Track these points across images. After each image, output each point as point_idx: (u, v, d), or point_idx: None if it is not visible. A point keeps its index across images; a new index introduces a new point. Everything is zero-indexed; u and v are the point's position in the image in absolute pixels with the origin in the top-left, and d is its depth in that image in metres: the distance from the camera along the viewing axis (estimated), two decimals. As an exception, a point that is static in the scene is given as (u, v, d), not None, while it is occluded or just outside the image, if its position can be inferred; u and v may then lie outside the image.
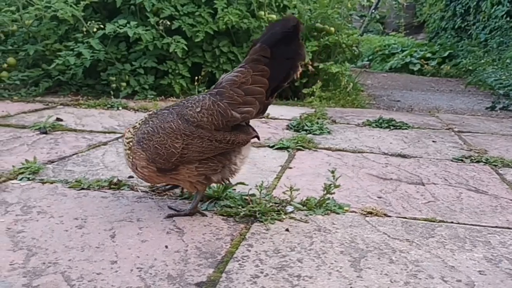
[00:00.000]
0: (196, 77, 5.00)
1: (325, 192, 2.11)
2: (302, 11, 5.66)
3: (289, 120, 4.31)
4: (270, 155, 3.04)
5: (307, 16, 5.67)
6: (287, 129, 3.92)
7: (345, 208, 2.12)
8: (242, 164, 1.99)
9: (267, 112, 4.40)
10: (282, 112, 4.68)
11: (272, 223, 1.92)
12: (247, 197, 2.12)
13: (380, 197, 2.32)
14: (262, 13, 5.60)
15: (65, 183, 2.30)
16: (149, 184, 2.19)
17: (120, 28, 4.75)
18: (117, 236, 1.74)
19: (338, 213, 2.06)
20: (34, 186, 2.24)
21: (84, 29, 4.73)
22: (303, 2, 5.76)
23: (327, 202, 2.12)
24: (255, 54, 1.77)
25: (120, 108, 4.42)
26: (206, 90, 5.09)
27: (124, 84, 4.96)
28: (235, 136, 1.86)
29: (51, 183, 2.30)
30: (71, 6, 4.61)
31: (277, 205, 2.10)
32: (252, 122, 3.99)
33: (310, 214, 2.03)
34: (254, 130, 2.01)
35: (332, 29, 5.70)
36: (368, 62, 12.08)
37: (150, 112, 2.03)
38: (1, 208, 1.95)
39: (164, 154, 1.81)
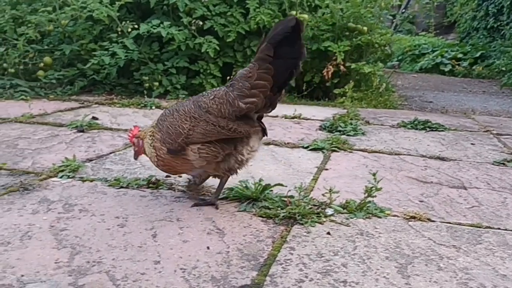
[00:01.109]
0: (228, 77, 4.99)
1: (366, 195, 2.06)
2: (334, 10, 5.59)
3: (322, 120, 4.26)
4: (305, 156, 3.00)
5: (339, 15, 5.59)
6: (320, 129, 3.87)
7: (387, 212, 2.06)
8: (250, 156, 2.05)
9: (298, 112, 4.38)
10: (313, 113, 4.64)
11: (313, 226, 1.88)
12: (285, 199, 2.09)
13: (421, 201, 2.25)
14: (294, 12, 5.55)
15: (105, 182, 2.32)
16: (170, 174, 2.28)
17: (154, 28, 4.79)
18: (158, 235, 1.74)
19: (379, 217, 2.01)
20: (75, 184, 2.27)
21: (119, 29, 4.79)
22: (335, 2, 5.68)
23: (367, 205, 2.07)
24: (261, 53, 1.87)
25: (153, 107, 4.46)
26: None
27: (156, 83, 5.00)
28: (238, 125, 1.93)
29: (91, 181, 2.32)
30: (106, 6, 4.68)
31: (316, 207, 2.06)
32: (285, 123, 3.97)
33: (351, 217, 1.99)
34: (262, 125, 2.08)
35: (365, 28, 5.61)
36: (397, 63, 11.89)
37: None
38: (44, 206, 1.98)
39: (172, 134, 1.95)
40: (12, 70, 4.90)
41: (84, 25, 5.09)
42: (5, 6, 5.30)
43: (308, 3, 5.93)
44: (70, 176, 2.35)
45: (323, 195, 2.10)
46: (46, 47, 5.28)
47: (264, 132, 2.09)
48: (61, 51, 5.13)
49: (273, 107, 2.01)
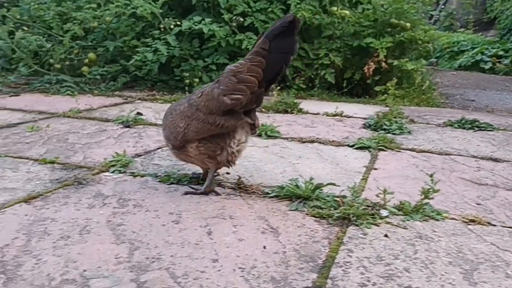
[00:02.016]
0: (269, 74, 4.96)
1: (423, 196, 2.00)
2: (376, 6, 5.47)
3: (364, 118, 4.18)
4: (351, 155, 2.94)
5: (381, 11, 5.47)
6: (363, 127, 3.80)
7: (444, 215, 1.99)
8: (240, 147, 2.11)
9: (340, 109, 4.31)
10: (355, 110, 4.56)
11: (369, 228, 1.84)
12: (338, 199, 2.06)
13: (479, 204, 2.17)
14: (335, 8, 5.48)
15: (155, 177, 2.33)
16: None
17: (195, 25, 4.81)
18: (213, 233, 1.73)
19: (437, 220, 1.95)
20: (126, 179, 2.30)
21: (162, 26, 4.83)
22: (377, -3, 5.56)
23: (424, 207, 2.01)
24: (257, 47, 1.87)
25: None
26: (275, 86, 5.09)
27: (197, 80, 5.02)
28: (225, 120, 1.98)
29: (142, 176, 2.35)
30: (149, 3, 4.72)
31: (370, 208, 2.01)
32: (327, 121, 3.92)
33: (407, 220, 1.93)
34: (253, 119, 2.07)
35: (408, 24, 5.47)
36: (435, 60, 11.58)
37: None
38: (99, 200, 2.00)
39: (173, 133, 2.07)
40: (58, 66, 5.02)
41: (127, 22, 5.16)
42: (51, 3, 5.44)
43: (349, -1, 5.83)
44: (122, 171, 2.38)
45: (376, 195, 2.05)
46: (90, 43, 5.39)
47: (252, 125, 2.10)
48: (105, 47, 5.22)
49: (258, 103, 2.00)
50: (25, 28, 5.13)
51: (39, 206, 1.90)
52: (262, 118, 3.98)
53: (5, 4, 6.03)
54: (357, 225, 1.86)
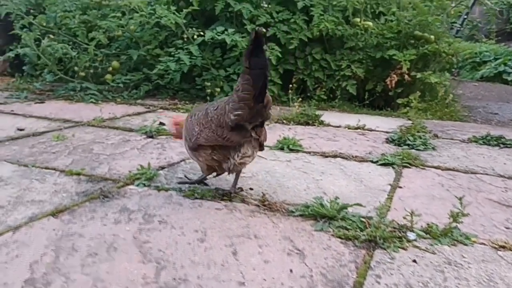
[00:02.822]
0: (290, 85, 4.98)
1: (452, 220, 1.96)
2: (400, 18, 5.43)
3: (387, 132, 4.14)
4: (375, 171, 2.91)
5: (405, 22, 5.42)
6: (386, 142, 3.76)
7: (473, 239, 1.95)
8: (243, 160, 2.22)
9: (362, 123, 4.28)
10: (377, 123, 4.52)
11: (396, 252, 1.81)
12: (364, 219, 2.03)
13: (508, 228, 2.12)
14: (358, 19, 5.45)
15: (179, 191, 2.34)
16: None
17: (218, 35, 4.84)
18: (239, 253, 1.72)
19: (466, 245, 1.91)
20: (151, 193, 2.31)
21: (185, 36, 4.87)
22: (401, 9, 5.52)
23: (452, 231, 1.97)
24: (243, 65, 1.98)
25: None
26: (297, 97, 5.08)
27: (218, 89, 5.04)
28: (231, 135, 2.12)
29: (166, 190, 2.35)
30: (174, 13, 4.76)
31: (397, 230, 1.98)
32: (349, 134, 3.89)
33: (435, 244, 1.89)
34: (258, 134, 2.19)
35: (432, 37, 5.41)
36: (456, 70, 11.43)
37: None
38: (125, 215, 2.01)
39: (190, 135, 2.26)
40: (83, 74, 5.09)
41: (151, 31, 5.22)
42: (76, 11, 5.53)
43: (372, 10, 5.80)
44: (146, 185, 2.39)
45: (404, 217, 2.02)
46: (113, 51, 5.46)
47: (257, 140, 2.23)
48: (128, 56, 5.28)
49: (263, 117, 2.12)
50: (51, 36, 5.22)
51: (66, 220, 1.92)
52: (284, 130, 3.98)
53: (32, 11, 6.13)
54: (384, 249, 1.83)
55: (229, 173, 2.34)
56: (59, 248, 1.68)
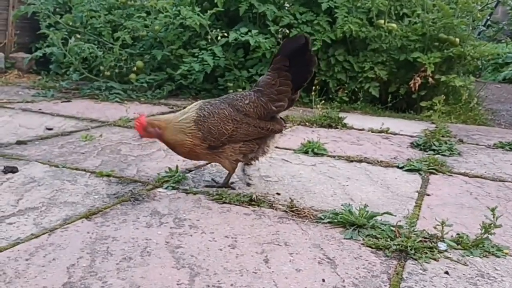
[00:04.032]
0: (314, 87, 4.96)
1: (483, 231, 1.94)
2: (424, 20, 5.37)
3: (411, 136, 4.12)
4: (401, 178, 2.89)
5: (430, 25, 5.36)
6: (411, 147, 3.74)
7: (505, 251, 1.93)
8: (273, 146, 2.50)
9: (386, 126, 4.24)
10: (401, 127, 4.49)
11: (428, 263, 1.80)
12: (394, 228, 2.02)
13: (540, 240, 2.09)
14: (382, 21, 5.42)
15: (207, 195, 2.36)
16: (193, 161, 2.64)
17: (242, 36, 4.85)
18: (270, 261, 1.73)
19: (498, 257, 1.89)
20: (180, 196, 2.33)
21: (209, 37, 4.89)
22: (426, 11, 5.46)
23: (483, 242, 1.95)
24: (278, 63, 2.31)
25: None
26: (319, 99, 5.06)
27: (240, 90, 5.05)
28: (272, 125, 2.38)
29: (194, 194, 2.38)
30: (198, 15, 4.79)
31: (427, 240, 1.97)
32: (372, 138, 3.87)
33: (467, 255, 1.88)
34: (285, 122, 2.50)
35: (457, 40, 5.34)
36: (478, 72, 11.25)
37: (200, 102, 2.42)
38: (156, 219, 2.04)
39: (215, 134, 2.28)
40: (108, 73, 5.16)
41: (175, 31, 5.25)
42: (102, 11, 5.59)
43: (396, 11, 5.75)
44: (175, 187, 2.42)
45: (434, 227, 2.01)
46: (137, 51, 5.51)
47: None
48: (151, 55, 5.33)
49: (292, 105, 2.45)
50: (78, 36, 5.30)
51: (99, 223, 1.95)
52: (307, 133, 3.98)
53: (57, 9, 6.22)
54: (415, 259, 1.82)
55: (249, 164, 2.50)
56: (94, 251, 1.71)
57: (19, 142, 3.05)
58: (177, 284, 1.54)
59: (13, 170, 2.49)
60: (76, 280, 1.51)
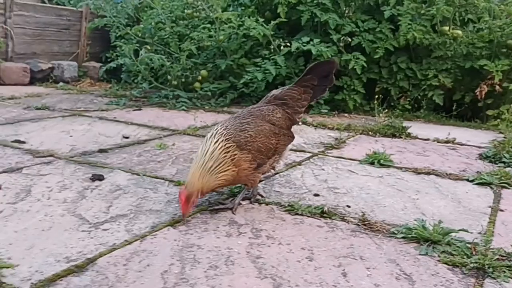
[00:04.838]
0: (376, 96, 4.96)
1: None
2: (492, 26, 5.21)
3: (479, 147, 4.02)
4: (472, 191, 2.86)
5: (497, 31, 5.19)
6: (480, 158, 3.66)
7: None
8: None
9: (452, 136, 4.16)
10: (467, 137, 4.39)
11: (506, 282, 1.79)
12: (470, 245, 2.02)
13: None
14: (446, 28, 5.32)
15: (279, 206, 2.45)
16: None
17: (304, 46, 4.92)
18: (348, 275, 1.79)
19: None
20: (253, 207, 2.44)
21: (271, 46, 5.00)
22: (493, 17, 5.30)
23: None
24: (307, 81, 2.55)
25: (300, 123, 4.58)
26: (382, 108, 5.04)
27: (300, 98, 5.12)
28: (291, 133, 2.60)
29: (267, 204, 2.48)
30: (262, 25, 4.91)
31: (504, 258, 1.96)
32: (439, 148, 3.82)
33: (548, 276, 1.85)
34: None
35: (527, 46, 5.15)
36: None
37: (216, 131, 2.35)
38: (234, 229, 2.15)
39: (264, 151, 2.37)
40: (175, 82, 5.40)
41: (238, 41, 5.41)
42: (168, 23, 5.85)
43: (460, 17, 5.62)
44: (248, 197, 2.52)
45: (511, 245, 1.99)
46: (201, 60, 5.72)
47: None
48: (214, 65, 5.52)
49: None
50: (148, 47, 5.58)
51: (183, 231, 2.09)
52: (370, 143, 3.99)
53: (126, 21, 6.56)
54: (493, 278, 1.82)
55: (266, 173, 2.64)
56: (183, 258, 1.85)
57: (101, 150, 3.28)
58: (263, 294, 1.64)
59: (100, 178, 2.69)
60: (171, 286, 1.64)
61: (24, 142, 3.42)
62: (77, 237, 1.98)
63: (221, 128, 2.34)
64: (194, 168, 2.21)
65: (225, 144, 2.25)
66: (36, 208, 2.27)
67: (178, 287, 1.64)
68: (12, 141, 3.43)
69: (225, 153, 2.23)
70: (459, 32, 5.29)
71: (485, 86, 5.11)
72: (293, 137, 2.60)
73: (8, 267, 1.71)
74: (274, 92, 2.62)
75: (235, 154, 2.25)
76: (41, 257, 1.80)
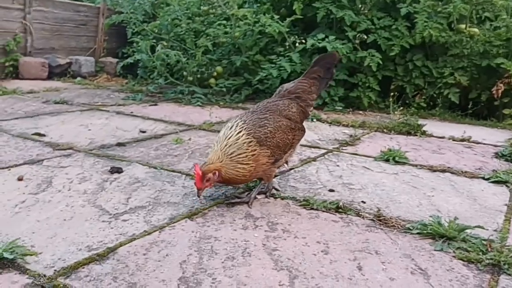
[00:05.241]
0: (392, 94, 4.95)
1: None
2: (509, 25, 5.16)
3: (495, 146, 4.00)
4: (488, 189, 2.85)
5: (516, 29, 5.15)
6: (496, 157, 3.64)
7: None
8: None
9: (467, 134, 4.14)
10: (483, 135, 4.36)
11: (522, 279, 1.80)
12: (485, 242, 2.03)
13: None
14: (463, 26, 5.28)
15: (295, 200, 2.48)
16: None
17: (319, 42, 4.93)
18: (363, 268, 1.82)
19: None
20: (269, 201, 2.47)
21: (287, 43, 5.02)
22: (510, 15, 5.24)
23: None
24: (314, 73, 2.64)
25: (314, 119, 4.60)
26: (397, 105, 5.03)
27: (315, 95, 5.13)
28: (303, 127, 2.63)
29: (282, 199, 2.50)
30: (277, 22, 4.93)
31: (520, 256, 1.96)
32: (454, 146, 3.81)
33: None
34: None
35: (545, 45, 5.09)
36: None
37: (237, 123, 2.39)
38: (250, 222, 2.19)
39: (282, 146, 2.40)
40: (191, 78, 5.44)
41: (253, 38, 5.44)
42: (183, 19, 5.89)
43: (477, 15, 5.57)
44: (264, 191, 2.55)
45: (528, 243, 1.99)
46: (216, 57, 5.76)
47: None
48: (229, 61, 5.55)
49: None
50: (164, 43, 5.63)
51: (201, 223, 2.13)
52: (385, 140, 3.99)
53: (143, 17, 6.62)
54: (509, 274, 1.83)
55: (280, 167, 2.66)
56: (201, 249, 1.88)
57: (119, 144, 3.34)
58: (279, 285, 1.67)
59: (119, 170, 2.74)
60: (189, 276, 1.68)
61: (44, 135, 3.50)
62: (97, 227, 2.04)
63: (241, 122, 2.37)
64: (216, 147, 2.30)
65: (247, 138, 2.28)
66: (58, 198, 2.33)
67: (196, 276, 1.68)
68: (33, 134, 3.50)
69: (247, 146, 2.27)
70: (476, 30, 5.25)
71: (501, 85, 5.07)
72: (304, 131, 2.63)
73: (31, 255, 1.76)
74: (287, 86, 2.67)
75: (255, 150, 2.29)
76: (64, 246, 1.85)
